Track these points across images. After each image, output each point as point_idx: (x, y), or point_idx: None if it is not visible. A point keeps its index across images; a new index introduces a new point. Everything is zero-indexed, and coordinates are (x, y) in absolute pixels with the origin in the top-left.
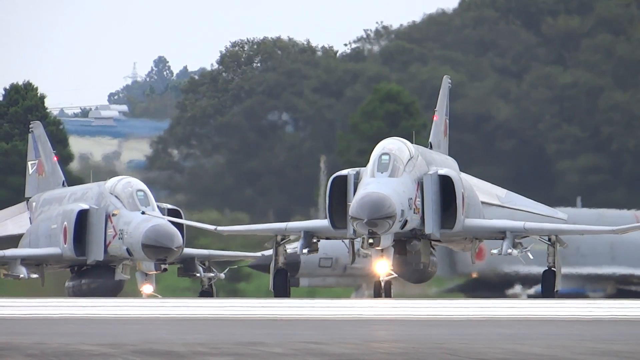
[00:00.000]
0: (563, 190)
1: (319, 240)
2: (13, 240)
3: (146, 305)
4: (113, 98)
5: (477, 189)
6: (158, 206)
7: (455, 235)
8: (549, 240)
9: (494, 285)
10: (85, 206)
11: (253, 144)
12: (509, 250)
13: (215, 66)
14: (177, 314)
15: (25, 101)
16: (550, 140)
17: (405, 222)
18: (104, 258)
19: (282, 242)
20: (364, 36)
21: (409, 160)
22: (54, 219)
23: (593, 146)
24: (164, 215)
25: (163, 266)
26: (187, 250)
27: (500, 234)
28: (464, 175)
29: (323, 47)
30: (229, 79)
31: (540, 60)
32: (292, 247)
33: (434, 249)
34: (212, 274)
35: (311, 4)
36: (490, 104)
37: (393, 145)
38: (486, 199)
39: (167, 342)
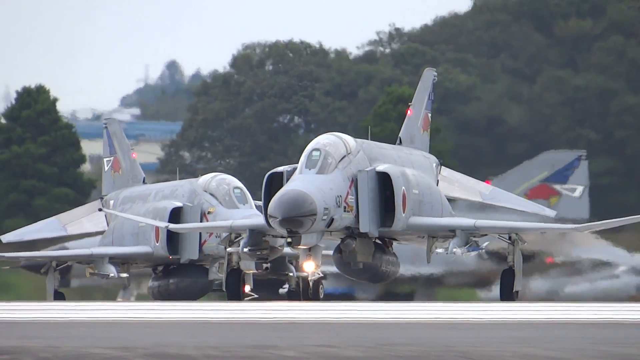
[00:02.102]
0: None
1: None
2: (90, 239)
3: (158, 309)
4: (125, 101)
5: (460, 186)
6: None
7: (399, 234)
8: (509, 238)
9: (270, 284)
10: (178, 204)
11: (265, 146)
12: (454, 250)
13: (228, 69)
14: (189, 317)
15: (37, 104)
16: (562, 144)
17: (332, 220)
18: (198, 257)
19: (235, 240)
20: (377, 39)
21: (345, 156)
22: (142, 217)
23: (606, 149)
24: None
25: (265, 265)
26: None
27: (451, 232)
28: (447, 171)
29: (335, 49)
30: (241, 82)
31: (552, 63)
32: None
33: (389, 247)
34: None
35: (323, 7)
36: (502, 107)
37: (327, 141)
38: (466, 195)
39: (178, 345)
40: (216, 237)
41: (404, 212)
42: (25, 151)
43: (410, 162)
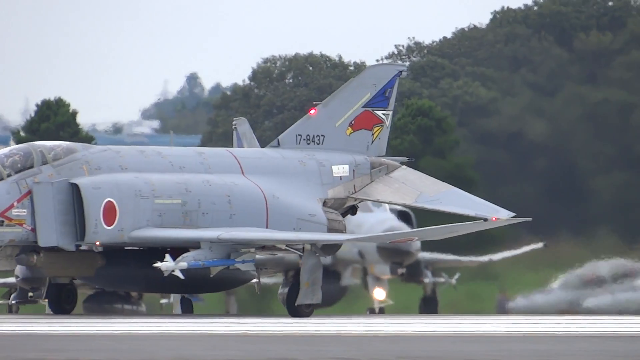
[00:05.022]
0: (596, 209)
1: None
2: None
3: (179, 322)
4: (145, 114)
5: (397, 189)
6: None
7: (127, 245)
8: (303, 249)
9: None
10: None
11: None
12: (163, 264)
13: (247, 82)
14: (210, 330)
15: (57, 117)
16: (583, 158)
17: None
18: (330, 261)
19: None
20: (396, 52)
21: (29, 168)
22: None
23: (625, 164)
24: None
25: (400, 270)
26: None
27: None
28: (400, 172)
29: (355, 62)
30: (261, 95)
31: (572, 78)
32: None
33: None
34: (441, 279)
35: (343, 20)
36: (523, 121)
37: (14, 152)
38: (396, 199)
39: (199, 358)
40: None
41: (110, 225)
42: None
43: (240, 168)
